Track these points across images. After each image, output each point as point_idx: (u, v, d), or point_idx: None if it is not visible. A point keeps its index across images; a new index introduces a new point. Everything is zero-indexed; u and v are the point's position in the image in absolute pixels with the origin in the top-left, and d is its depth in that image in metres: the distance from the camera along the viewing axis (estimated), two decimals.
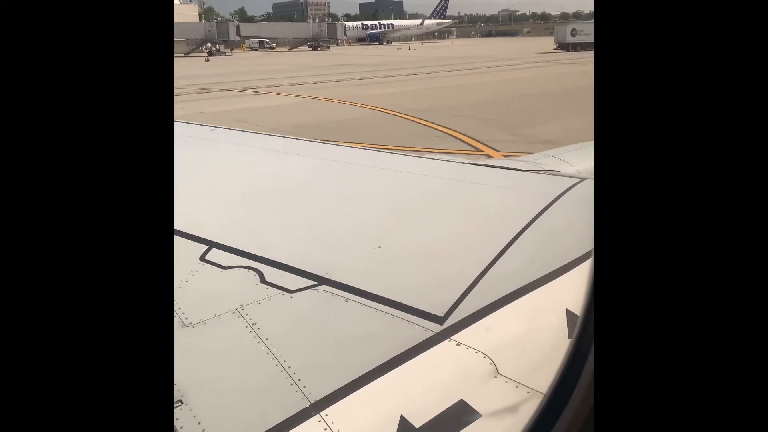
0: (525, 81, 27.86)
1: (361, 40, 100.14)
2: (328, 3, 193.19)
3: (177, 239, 2.10)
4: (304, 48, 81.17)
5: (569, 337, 1.50)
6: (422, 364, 1.53)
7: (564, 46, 53.98)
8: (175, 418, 1.36)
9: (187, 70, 37.81)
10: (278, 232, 2.58)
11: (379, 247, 2.30)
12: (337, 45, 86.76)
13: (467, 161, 3.65)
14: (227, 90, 25.79)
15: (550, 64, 39.01)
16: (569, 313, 1.62)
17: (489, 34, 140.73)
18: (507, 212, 2.68)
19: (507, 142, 13.09)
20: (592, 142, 0.76)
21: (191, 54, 65.39)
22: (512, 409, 1.41)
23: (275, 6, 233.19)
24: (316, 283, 1.97)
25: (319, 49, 78.42)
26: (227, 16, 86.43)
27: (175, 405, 1.39)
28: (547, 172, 3.32)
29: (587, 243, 0.81)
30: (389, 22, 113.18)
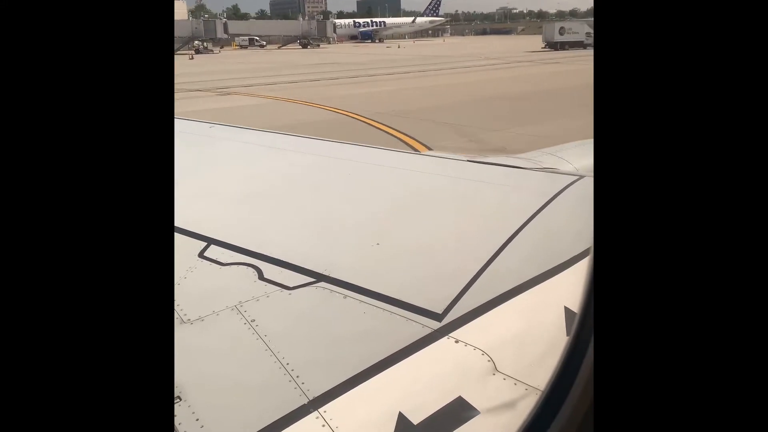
0: (502, 82, 27.31)
1: (353, 37, 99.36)
2: (326, 0, 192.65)
3: (176, 236, 1.99)
4: (295, 46, 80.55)
5: (567, 334, 1.45)
6: (421, 361, 1.53)
7: (552, 45, 53.40)
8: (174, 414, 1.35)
9: None
10: (277, 229, 2.57)
11: (378, 244, 2.28)
12: (329, 43, 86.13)
13: (466, 158, 3.56)
14: (194, 90, 25.15)
15: (533, 64, 38.40)
16: (567, 310, 1.61)
17: (483, 32, 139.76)
18: (505, 210, 2.64)
19: (461, 150, 12.55)
20: (590, 140, 0.62)
21: (178, 52, 64.68)
22: (510, 406, 1.41)
23: (272, 4, 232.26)
24: (314, 280, 1.95)
25: (309, 47, 77.86)
26: (220, 14, 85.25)
27: (174, 402, 1.37)
28: (545, 169, 3.28)
29: (586, 240, 0.82)
30: (381, 19, 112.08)
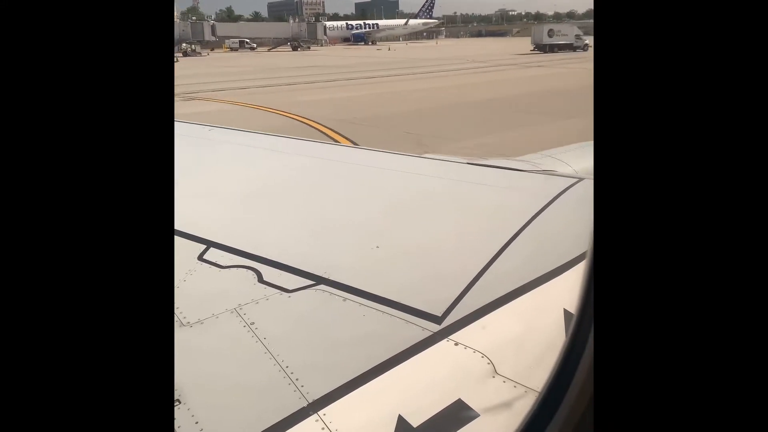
0: (475, 87, 26.63)
1: (346, 40, 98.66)
2: (323, 2, 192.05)
3: (175, 239, 1.88)
4: (286, 48, 79.87)
5: (566, 336, 1.46)
6: (420, 364, 1.53)
7: (541, 48, 52.60)
8: None
9: None
10: (276, 231, 2.56)
11: (377, 246, 2.27)
12: (321, 45, 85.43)
13: (465, 161, 3.52)
14: None
15: (517, 67, 37.68)
16: (567, 312, 1.61)
17: (479, 34, 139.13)
18: (505, 212, 2.63)
19: None
20: (590, 142, 0.66)
21: None
22: (510, 408, 1.41)
23: (270, 6, 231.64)
24: (314, 282, 1.95)
25: (299, 49, 77.17)
26: (208, 15, 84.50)
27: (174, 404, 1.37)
28: (545, 171, 3.26)
29: (585, 243, 0.82)
30: (374, 22, 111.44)
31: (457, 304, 1.75)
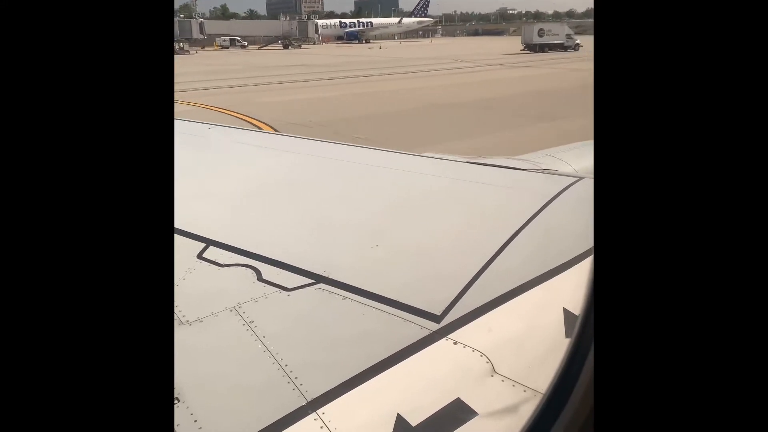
0: (459, 88, 25.55)
1: (339, 38, 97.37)
2: (322, 1, 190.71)
3: (175, 237, 1.87)
4: (277, 46, 78.65)
5: (566, 336, 1.51)
6: (419, 363, 1.53)
7: (531, 47, 51.50)
8: None
9: None
10: (276, 229, 2.56)
11: (377, 245, 2.26)
12: (314, 43, 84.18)
13: (465, 160, 3.45)
14: None
15: (503, 67, 36.60)
16: (566, 312, 1.62)
17: (476, 33, 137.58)
18: (505, 211, 2.63)
19: None
20: (589, 142, 0.69)
21: None
22: (509, 407, 1.41)
23: (269, 4, 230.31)
24: (313, 281, 1.95)
25: (290, 47, 75.97)
26: (196, 12, 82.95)
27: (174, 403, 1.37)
28: (545, 170, 3.24)
29: (585, 242, 0.80)
30: (368, 20, 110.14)
31: (456, 303, 1.75)
